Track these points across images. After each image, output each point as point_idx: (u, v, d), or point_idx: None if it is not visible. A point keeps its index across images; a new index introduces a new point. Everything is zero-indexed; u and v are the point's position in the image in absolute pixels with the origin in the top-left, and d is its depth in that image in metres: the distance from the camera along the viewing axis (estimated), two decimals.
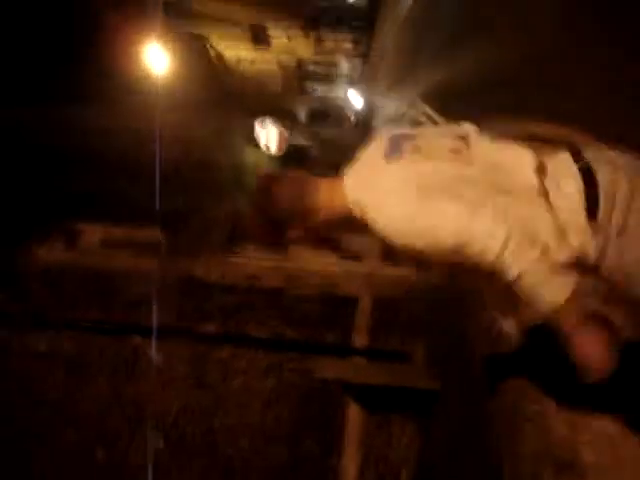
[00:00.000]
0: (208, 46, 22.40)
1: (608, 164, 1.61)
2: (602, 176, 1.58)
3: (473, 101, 6.49)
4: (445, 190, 1.58)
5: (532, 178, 1.60)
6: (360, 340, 5.77)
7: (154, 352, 5.77)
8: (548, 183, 1.61)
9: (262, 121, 9.75)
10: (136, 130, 9.51)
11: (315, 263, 5.72)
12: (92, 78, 11.22)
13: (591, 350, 1.44)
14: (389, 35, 16.05)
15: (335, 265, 5.89)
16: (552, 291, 1.47)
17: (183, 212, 6.68)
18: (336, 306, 5.67)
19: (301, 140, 11.30)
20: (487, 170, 1.64)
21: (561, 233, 1.50)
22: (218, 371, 5.88)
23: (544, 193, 1.58)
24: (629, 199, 1.55)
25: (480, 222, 1.52)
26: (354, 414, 5.72)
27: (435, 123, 7.42)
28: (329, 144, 13.42)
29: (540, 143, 1.70)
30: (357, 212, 1.82)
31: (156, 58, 13.90)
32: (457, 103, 7.27)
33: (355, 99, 25.99)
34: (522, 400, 2.88)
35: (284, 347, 5.77)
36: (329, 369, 5.56)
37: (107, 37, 13.17)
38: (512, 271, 1.49)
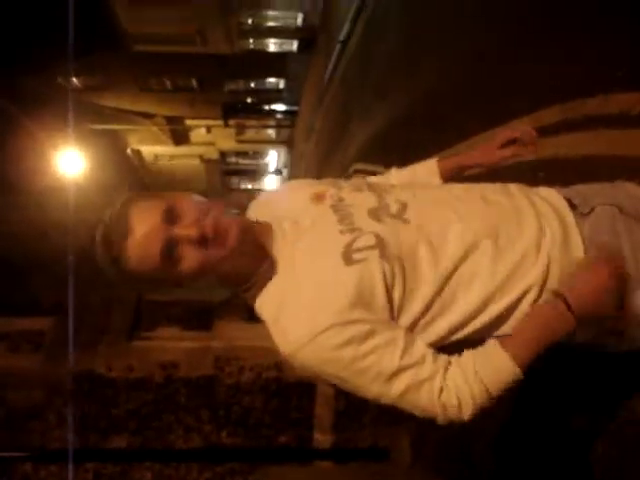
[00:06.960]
0: (124, 143, 21.91)
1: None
2: None
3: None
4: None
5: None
6: (323, 438, 4.82)
7: None
8: None
9: None
10: (42, 225, 8.77)
11: (251, 337, 4.50)
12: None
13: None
14: (314, 112, 15.71)
15: None
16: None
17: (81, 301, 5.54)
18: (287, 396, 4.70)
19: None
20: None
21: None
22: None
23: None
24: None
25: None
26: None
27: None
28: None
29: None
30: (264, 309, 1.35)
31: (70, 160, 13.75)
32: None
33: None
34: None
35: (223, 458, 4.76)
36: None
37: (21, 142, 13.12)
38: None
